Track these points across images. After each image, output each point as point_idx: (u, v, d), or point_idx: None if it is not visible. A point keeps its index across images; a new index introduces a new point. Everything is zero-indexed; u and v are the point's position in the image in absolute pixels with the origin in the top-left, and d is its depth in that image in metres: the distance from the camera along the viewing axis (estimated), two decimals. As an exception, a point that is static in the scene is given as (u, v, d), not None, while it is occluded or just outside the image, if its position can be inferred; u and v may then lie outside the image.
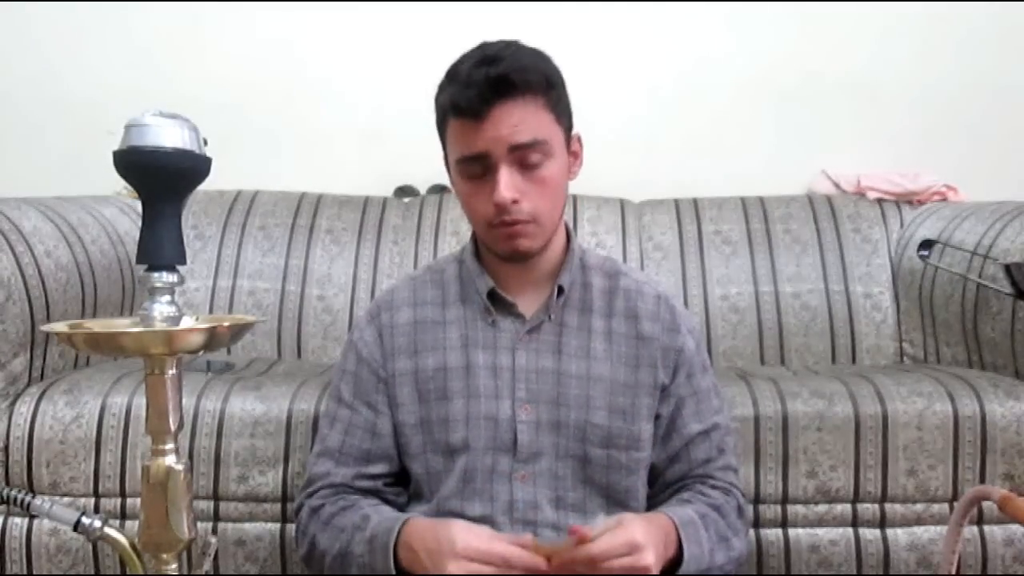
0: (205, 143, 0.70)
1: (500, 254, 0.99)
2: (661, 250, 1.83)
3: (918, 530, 1.28)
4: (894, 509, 1.28)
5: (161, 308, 0.69)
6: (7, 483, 1.27)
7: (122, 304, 1.62)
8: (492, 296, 1.02)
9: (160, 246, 0.68)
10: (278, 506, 1.28)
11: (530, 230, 0.95)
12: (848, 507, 1.28)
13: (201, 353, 0.73)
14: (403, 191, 2.04)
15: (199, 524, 1.24)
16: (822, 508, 1.28)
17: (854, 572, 1.27)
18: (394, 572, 0.89)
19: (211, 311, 1.78)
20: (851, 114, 2.08)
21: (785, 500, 1.27)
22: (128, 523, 1.27)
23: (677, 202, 1.91)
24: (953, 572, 0.75)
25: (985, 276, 1.46)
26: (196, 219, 1.87)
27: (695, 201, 1.91)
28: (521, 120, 0.91)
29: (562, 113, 0.96)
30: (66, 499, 1.27)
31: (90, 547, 1.27)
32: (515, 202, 0.92)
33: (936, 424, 1.27)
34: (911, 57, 2.06)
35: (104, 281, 1.54)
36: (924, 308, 1.69)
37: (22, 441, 1.27)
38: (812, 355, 1.74)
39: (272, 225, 1.86)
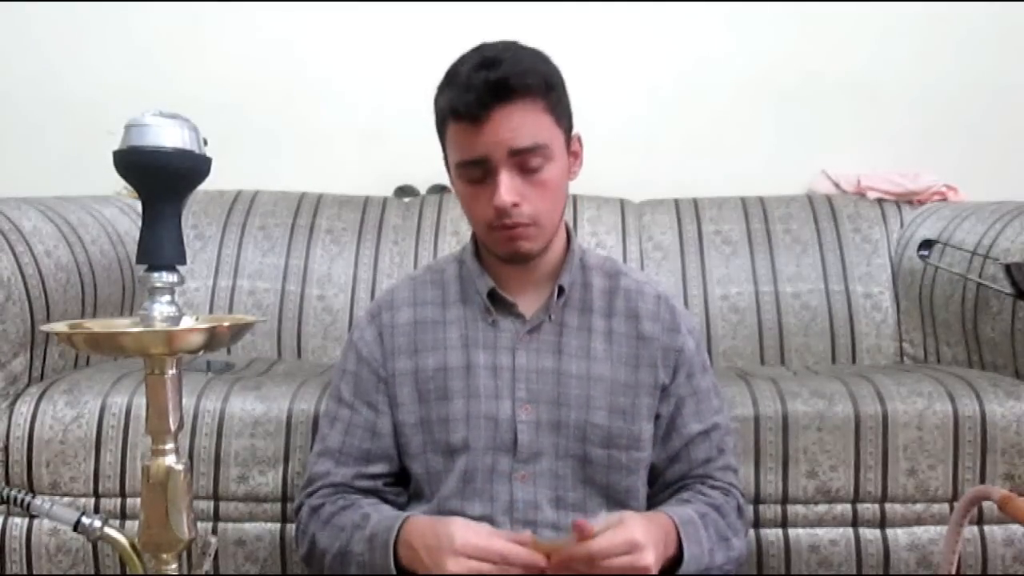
0: (205, 143, 0.69)
1: (501, 256, 0.99)
2: (661, 250, 1.83)
3: (918, 530, 1.28)
4: (894, 509, 1.28)
5: (161, 308, 0.69)
6: (7, 483, 1.27)
7: (122, 304, 1.62)
8: (492, 296, 1.02)
9: (160, 246, 0.68)
10: (278, 506, 1.28)
11: (531, 232, 0.95)
12: (848, 507, 1.28)
13: (201, 353, 0.73)
14: (403, 191, 2.04)
15: (199, 524, 1.24)
16: (822, 508, 1.28)
17: (854, 572, 1.27)
18: (394, 570, 0.89)
19: (211, 311, 1.78)
20: (851, 114, 2.08)
21: (785, 500, 1.27)
22: (128, 523, 1.27)
23: (677, 202, 1.91)
24: (953, 572, 0.75)
25: (985, 276, 1.46)
26: (196, 219, 1.87)
27: (695, 201, 1.91)
28: (521, 124, 0.90)
29: (562, 115, 0.96)
30: (66, 499, 1.27)
31: (90, 547, 1.27)
32: (515, 205, 0.92)
33: (936, 424, 1.27)
34: (911, 57, 2.06)
35: (104, 281, 1.54)
36: (924, 308, 1.69)
37: (22, 441, 1.27)
38: (812, 355, 1.74)
39: (272, 225, 1.86)
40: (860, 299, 1.77)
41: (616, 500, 1.00)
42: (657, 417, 1.02)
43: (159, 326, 0.68)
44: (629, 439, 0.99)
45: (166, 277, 0.69)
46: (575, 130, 1.00)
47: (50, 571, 1.27)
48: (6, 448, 1.27)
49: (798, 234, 1.83)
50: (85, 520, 0.74)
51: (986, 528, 1.28)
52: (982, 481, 1.27)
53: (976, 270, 1.51)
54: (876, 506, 1.28)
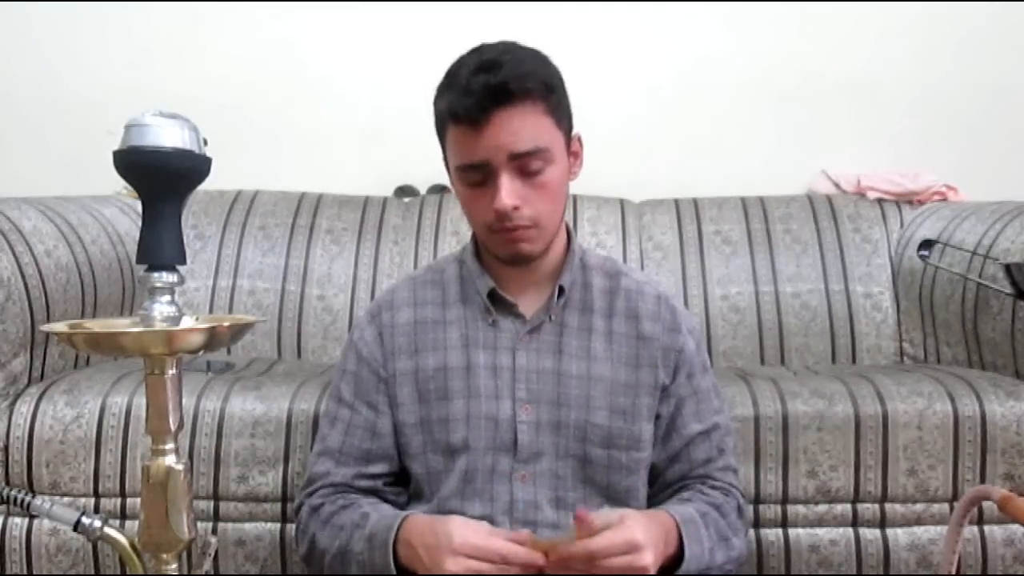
0: (205, 143, 0.69)
1: (501, 258, 0.99)
2: (661, 250, 1.83)
3: (918, 530, 1.28)
4: (894, 509, 1.28)
5: (161, 308, 0.69)
6: (7, 483, 1.27)
7: (122, 304, 1.62)
8: (492, 296, 1.02)
9: (160, 246, 0.68)
10: (278, 506, 1.28)
11: (531, 235, 0.95)
12: (848, 507, 1.28)
13: (201, 353, 0.73)
14: (403, 191, 2.04)
15: (199, 524, 1.24)
16: (822, 508, 1.28)
17: (854, 572, 1.27)
18: (393, 569, 0.89)
19: (211, 311, 1.78)
20: (851, 114, 2.08)
21: (785, 500, 1.27)
22: (128, 523, 1.27)
23: (677, 202, 1.91)
24: (953, 572, 0.75)
25: (985, 276, 1.46)
26: (196, 219, 1.87)
27: (695, 201, 1.91)
28: (521, 127, 0.90)
29: (562, 116, 0.95)
30: (66, 499, 1.27)
31: (90, 547, 1.27)
32: (516, 209, 0.92)
33: (936, 424, 1.27)
34: (911, 57, 2.06)
35: (104, 281, 1.54)
36: (924, 308, 1.69)
37: (22, 441, 1.27)
38: (812, 355, 1.74)
39: (272, 225, 1.86)
40: (860, 299, 1.77)
41: (616, 500, 1.00)
42: (657, 417, 1.02)
43: (159, 326, 0.68)
44: (629, 439, 0.99)
45: (166, 277, 0.69)
46: (575, 130, 1.00)
47: (50, 571, 1.27)
48: (6, 448, 1.27)
49: (798, 234, 1.83)
50: (85, 520, 0.74)
51: (986, 528, 1.28)
52: (982, 481, 1.27)
53: (976, 270, 1.51)
54: (876, 506, 1.28)
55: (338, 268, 1.82)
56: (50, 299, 1.36)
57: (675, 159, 2.09)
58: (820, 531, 1.28)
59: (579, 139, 1.01)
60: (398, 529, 0.90)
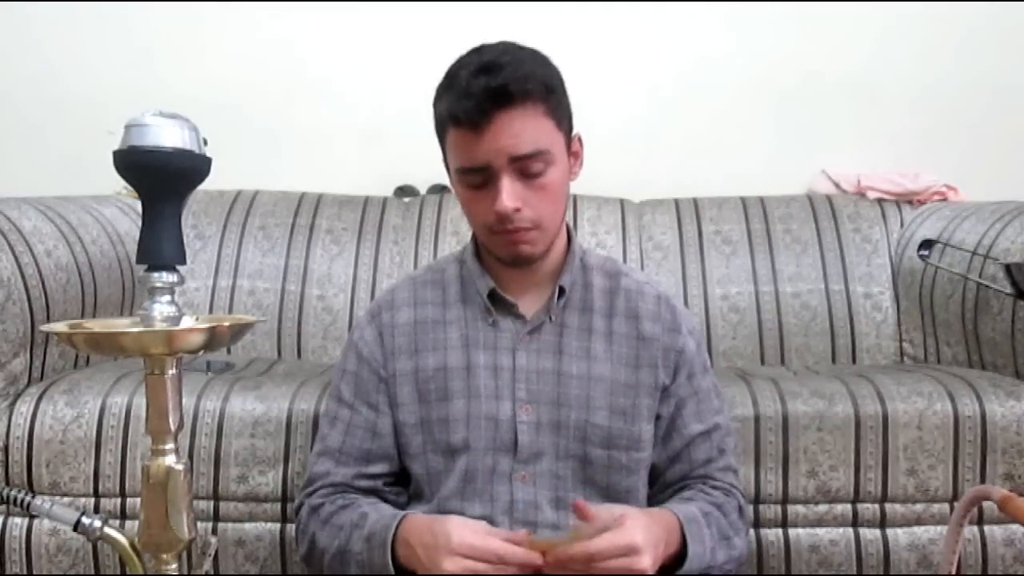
0: (205, 143, 0.69)
1: (502, 259, 0.99)
2: (661, 250, 1.83)
3: (918, 530, 1.28)
4: (894, 509, 1.28)
5: (161, 308, 0.69)
6: (7, 483, 1.27)
7: (122, 304, 1.62)
8: (493, 296, 1.01)
9: (160, 246, 0.68)
10: (278, 506, 1.28)
11: (532, 236, 0.95)
12: (848, 507, 1.28)
13: (201, 353, 0.73)
14: (403, 191, 2.04)
15: (199, 524, 1.24)
16: (822, 508, 1.28)
17: (854, 572, 1.27)
18: (392, 569, 0.89)
19: (211, 311, 1.78)
20: (851, 114, 2.08)
21: (785, 500, 1.27)
22: (128, 523, 1.27)
23: (677, 202, 1.91)
24: (953, 572, 0.75)
25: (985, 276, 1.46)
26: (196, 219, 1.87)
27: (695, 201, 1.91)
28: (522, 130, 0.90)
29: (562, 117, 0.95)
30: (66, 499, 1.27)
31: (90, 547, 1.27)
32: (517, 211, 0.92)
33: (936, 424, 1.27)
34: (911, 57, 2.06)
35: (104, 281, 1.54)
36: (924, 308, 1.69)
37: (22, 441, 1.27)
38: (812, 355, 1.74)
39: (272, 225, 1.86)
40: (860, 299, 1.77)
41: (616, 500, 0.99)
42: (658, 418, 1.02)
43: (159, 326, 0.68)
44: (629, 440, 0.99)
45: (166, 277, 0.69)
46: (575, 130, 1.00)
47: (50, 571, 1.27)
48: (6, 448, 1.27)
49: (798, 234, 1.83)
50: (85, 520, 0.74)
51: (986, 528, 1.28)
52: (982, 481, 1.27)
53: (976, 270, 1.51)
54: (876, 506, 1.28)
55: (338, 268, 1.82)
56: (50, 299, 1.36)
57: (675, 159, 2.09)
58: (820, 531, 1.28)
59: (579, 139, 1.01)
60: (396, 529, 0.90)
